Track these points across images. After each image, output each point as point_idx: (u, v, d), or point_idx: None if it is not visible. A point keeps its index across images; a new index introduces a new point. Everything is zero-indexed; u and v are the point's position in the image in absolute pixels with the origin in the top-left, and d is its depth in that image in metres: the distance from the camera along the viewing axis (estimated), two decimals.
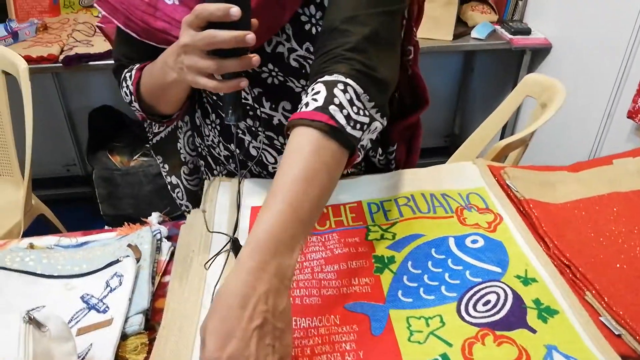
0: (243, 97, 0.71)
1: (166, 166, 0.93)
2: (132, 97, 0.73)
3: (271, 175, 0.79)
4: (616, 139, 1.50)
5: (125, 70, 0.75)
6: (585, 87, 1.57)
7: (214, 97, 0.76)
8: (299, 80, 0.70)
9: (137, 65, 0.73)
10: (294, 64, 0.69)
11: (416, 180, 0.76)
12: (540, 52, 1.80)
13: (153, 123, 0.83)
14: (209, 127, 0.81)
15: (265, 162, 0.78)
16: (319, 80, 0.55)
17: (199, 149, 0.89)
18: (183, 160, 0.92)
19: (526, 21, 1.87)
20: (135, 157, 1.83)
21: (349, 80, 0.54)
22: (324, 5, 0.64)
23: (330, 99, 0.52)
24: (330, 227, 0.67)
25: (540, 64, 1.82)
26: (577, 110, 1.64)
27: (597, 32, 1.51)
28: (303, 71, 0.69)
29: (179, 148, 0.91)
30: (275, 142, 0.76)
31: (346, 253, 0.62)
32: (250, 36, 0.54)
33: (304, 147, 0.50)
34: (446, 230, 0.65)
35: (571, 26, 1.65)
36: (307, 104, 0.53)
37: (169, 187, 0.96)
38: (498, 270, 0.58)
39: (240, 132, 0.77)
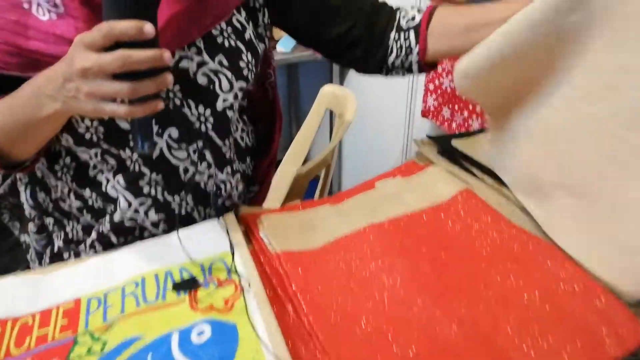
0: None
1: (17, 223, 0.84)
2: None
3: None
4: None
5: None
6: (388, 92, 1.60)
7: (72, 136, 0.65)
8: (198, 105, 0.67)
9: None
10: (201, 80, 0.66)
11: (158, 254, 0.64)
12: None
13: None
14: (58, 174, 0.70)
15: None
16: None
17: (43, 206, 0.75)
18: (28, 216, 0.79)
19: None
20: None
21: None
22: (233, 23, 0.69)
23: None
24: (28, 348, 0.52)
25: (349, 72, 1.84)
26: (385, 115, 1.67)
27: None
28: (211, 87, 0.67)
29: (22, 202, 0.78)
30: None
31: None
32: (167, 54, 0.48)
33: None
34: (171, 323, 0.54)
35: None
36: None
37: (23, 246, 0.84)
38: None
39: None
